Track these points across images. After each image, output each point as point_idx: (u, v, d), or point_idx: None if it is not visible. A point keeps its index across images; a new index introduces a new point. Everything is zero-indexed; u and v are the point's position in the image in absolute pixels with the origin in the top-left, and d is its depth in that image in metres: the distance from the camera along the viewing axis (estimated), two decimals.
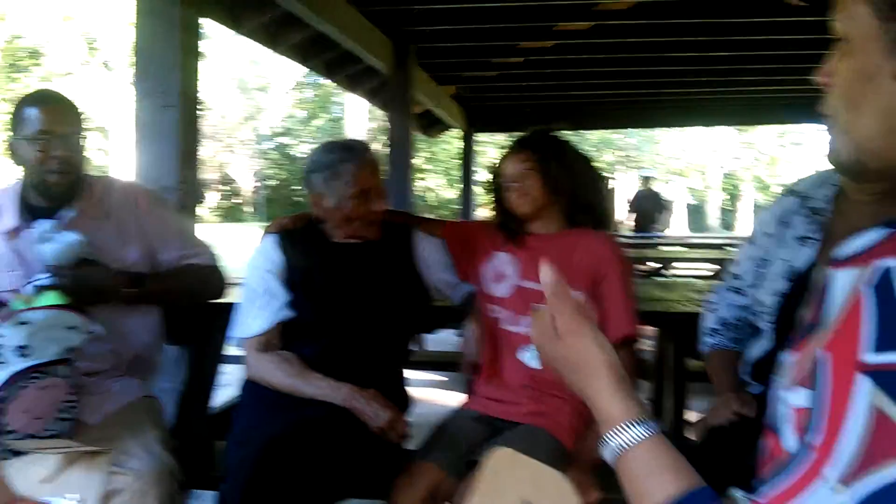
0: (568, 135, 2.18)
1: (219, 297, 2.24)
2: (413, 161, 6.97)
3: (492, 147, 31.03)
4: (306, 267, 2.07)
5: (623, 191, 19.99)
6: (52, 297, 1.78)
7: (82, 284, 1.86)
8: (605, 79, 8.48)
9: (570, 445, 1.91)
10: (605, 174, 2.15)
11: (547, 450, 1.83)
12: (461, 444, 1.90)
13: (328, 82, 7.65)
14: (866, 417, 0.62)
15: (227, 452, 1.85)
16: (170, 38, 2.97)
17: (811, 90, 0.90)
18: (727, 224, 32.15)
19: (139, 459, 1.77)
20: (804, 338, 0.70)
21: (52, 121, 1.97)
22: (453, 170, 26.62)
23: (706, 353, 1.89)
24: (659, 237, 10.82)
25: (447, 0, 5.54)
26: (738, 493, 0.76)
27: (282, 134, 36.16)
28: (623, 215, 12.16)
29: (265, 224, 2.26)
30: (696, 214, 33.54)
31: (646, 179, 11.95)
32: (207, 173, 35.27)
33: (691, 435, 2.15)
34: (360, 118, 22.77)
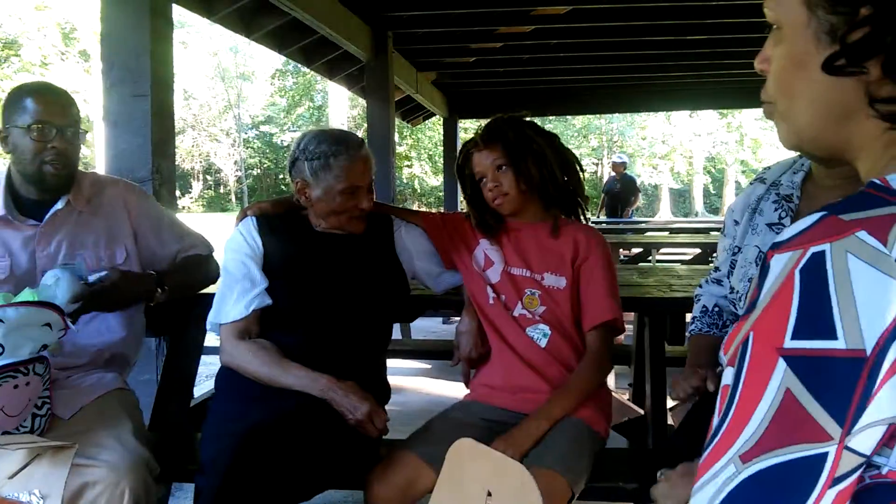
0: (552, 120, 2.14)
1: (213, 283, 2.26)
2: (396, 148, 6.95)
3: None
4: (285, 254, 2.04)
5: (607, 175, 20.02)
6: (28, 294, 1.76)
7: (106, 298, 1.91)
8: (585, 63, 8.48)
9: (601, 428, 1.93)
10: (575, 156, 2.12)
11: (587, 439, 1.85)
12: (450, 437, 1.86)
13: (309, 70, 7.60)
14: (777, 399, 0.64)
15: (203, 444, 1.83)
16: (139, 24, 2.94)
17: None
18: (712, 208, 32.32)
19: (112, 452, 1.75)
20: (742, 319, 0.70)
21: (50, 112, 1.96)
22: (438, 157, 26.59)
23: (688, 339, 1.91)
24: (634, 222, 10.83)
25: None
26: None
27: (264, 122, 35.98)
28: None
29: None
30: (680, 199, 33.70)
31: (617, 164, 11.93)
32: (190, 163, 35.12)
33: (670, 420, 2.15)
34: (342, 106, 22.70)
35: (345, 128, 22.66)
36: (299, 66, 8.18)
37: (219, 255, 2.28)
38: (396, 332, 4.88)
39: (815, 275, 0.64)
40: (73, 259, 1.99)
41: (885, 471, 0.68)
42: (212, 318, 2.04)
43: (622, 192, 11.48)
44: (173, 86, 3.15)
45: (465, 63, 8.41)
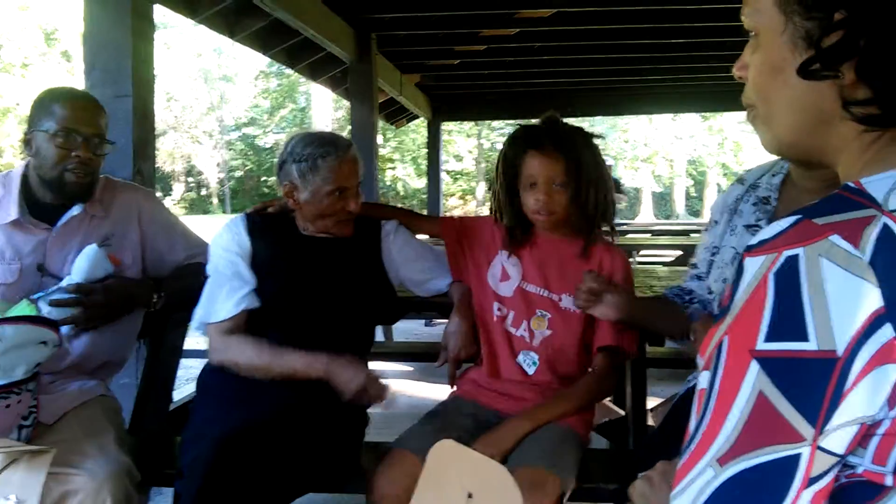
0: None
1: None
2: (379, 150, 6.95)
3: (460, 136, 31.11)
4: (271, 255, 2.03)
5: None
6: (25, 306, 1.75)
7: (106, 299, 1.90)
8: (569, 66, 8.52)
9: (583, 432, 1.92)
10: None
11: (571, 441, 1.84)
12: (444, 435, 1.85)
13: (293, 71, 7.58)
14: (751, 402, 0.64)
15: (182, 449, 1.82)
16: (121, 24, 2.92)
17: None
18: (693, 211, 32.51)
19: (94, 460, 1.74)
20: (717, 322, 0.71)
21: (78, 119, 1.95)
22: (421, 159, 26.57)
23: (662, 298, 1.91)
24: (616, 224, 10.88)
25: None
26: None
27: (247, 124, 35.81)
28: None
29: (231, 216, 2.23)
30: (662, 201, 33.87)
31: None
32: (171, 165, 34.88)
33: (650, 420, 2.16)
34: (326, 108, 22.65)
35: (328, 130, 22.55)
36: (283, 67, 8.16)
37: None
38: (379, 335, 4.89)
39: (788, 278, 0.65)
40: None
41: (860, 470, 0.69)
42: (200, 317, 2.01)
43: None
44: (154, 87, 3.14)
45: (449, 65, 8.41)
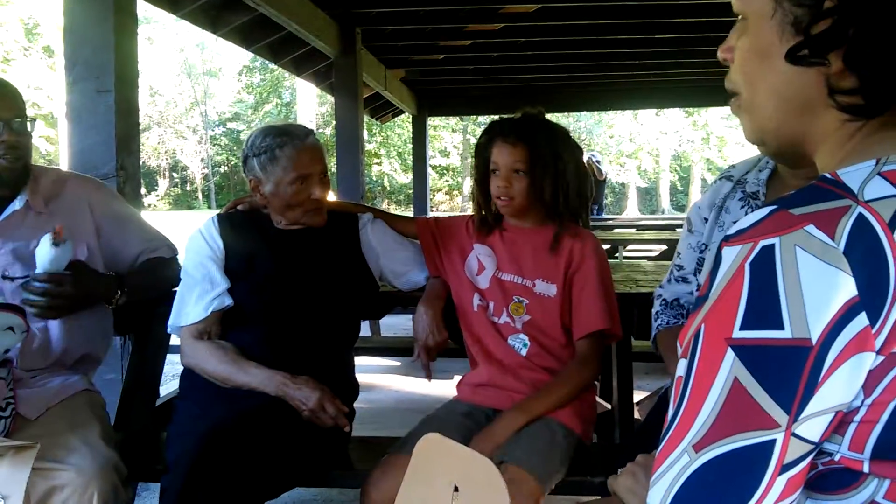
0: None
1: (175, 286, 2.20)
2: (365, 145, 6.93)
3: (445, 131, 31.10)
4: (247, 253, 2.03)
5: None
6: None
7: (72, 290, 1.84)
8: (554, 62, 8.53)
9: (578, 429, 1.91)
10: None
11: (562, 439, 1.83)
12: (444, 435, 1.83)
13: (277, 66, 7.55)
14: (726, 389, 0.65)
15: (168, 444, 1.82)
16: (103, 19, 2.90)
17: None
18: (679, 205, 32.67)
19: (80, 455, 1.73)
20: (695, 311, 0.71)
21: None
22: (407, 154, 26.56)
23: (655, 338, 1.90)
24: (602, 219, 10.91)
25: None
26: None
27: (231, 119, 35.64)
28: None
29: (216, 211, 2.21)
30: (647, 196, 34.02)
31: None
32: (156, 160, 34.67)
33: (637, 414, 2.18)
34: (310, 103, 22.57)
35: (313, 125, 22.60)
36: (267, 62, 8.12)
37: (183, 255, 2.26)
38: (366, 330, 4.89)
39: (764, 267, 0.66)
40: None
41: (837, 457, 0.69)
42: (172, 320, 2.02)
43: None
44: (138, 82, 3.12)
45: (435, 60, 8.41)
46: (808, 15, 0.73)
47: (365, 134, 7.45)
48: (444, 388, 4.30)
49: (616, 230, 9.26)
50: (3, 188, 1.96)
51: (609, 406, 2.46)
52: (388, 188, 32.67)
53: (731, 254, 0.69)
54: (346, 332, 2.11)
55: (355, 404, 2.11)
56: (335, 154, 6.85)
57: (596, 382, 3.15)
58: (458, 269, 2.10)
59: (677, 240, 1.92)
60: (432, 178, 29.39)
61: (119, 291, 2.00)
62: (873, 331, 0.64)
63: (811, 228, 0.66)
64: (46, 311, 1.86)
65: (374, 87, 8.12)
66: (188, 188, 37.58)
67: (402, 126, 27.06)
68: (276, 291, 1.98)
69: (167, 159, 36.24)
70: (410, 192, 16.56)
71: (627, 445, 1.98)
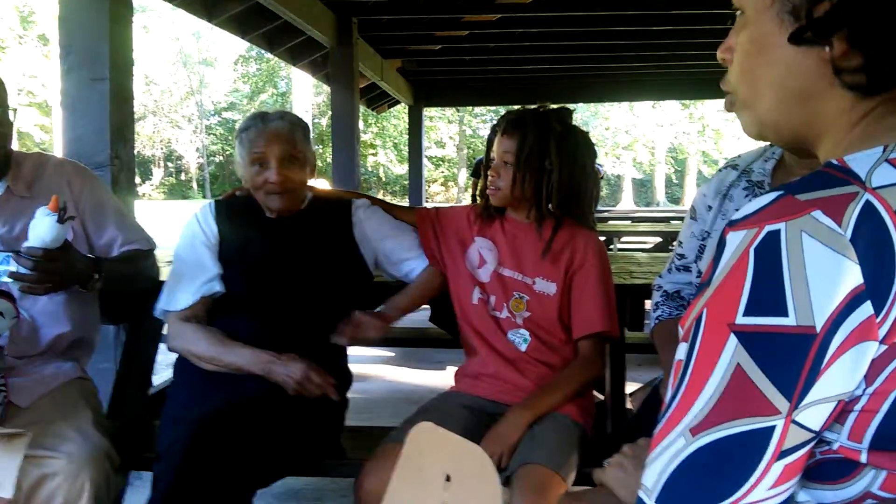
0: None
1: (154, 283, 2.18)
2: (361, 136, 6.92)
3: (441, 121, 31.05)
4: (241, 240, 2.03)
5: None
6: None
7: (63, 268, 1.80)
8: (550, 53, 8.52)
9: (585, 423, 1.91)
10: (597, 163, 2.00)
11: (573, 433, 1.84)
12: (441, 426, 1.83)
13: (273, 56, 7.52)
14: (727, 374, 0.65)
15: (161, 432, 1.82)
16: (98, 7, 2.88)
17: None
18: (674, 198, 32.71)
19: (72, 443, 1.72)
20: (697, 295, 0.71)
21: None
22: (403, 145, 26.53)
23: (653, 329, 1.89)
24: (597, 211, 10.95)
25: None
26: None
27: (226, 109, 35.53)
28: None
29: (211, 201, 2.21)
30: (642, 188, 34.05)
31: None
32: (151, 150, 34.56)
33: (629, 404, 2.18)
34: (306, 93, 22.51)
35: (309, 115, 22.47)
36: (263, 51, 8.09)
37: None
38: None
39: (769, 253, 0.65)
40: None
41: (835, 446, 0.69)
42: (161, 304, 2.02)
43: None
44: (133, 70, 3.11)
45: (431, 51, 8.39)
46: (806, 1, 0.72)
47: (361, 124, 7.43)
48: (437, 379, 4.34)
49: (611, 222, 9.28)
50: None
51: (601, 396, 2.47)
52: (384, 179, 32.63)
53: (735, 238, 0.68)
54: (337, 321, 2.11)
55: (348, 394, 2.11)
56: (331, 144, 6.84)
57: None
58: (457, 260, 2.09)
59: (672, 232, 1.92)
60: (428, 168, 29.37)
61: (96, 275, 1.93)
62: (878, 320, 0.63)
63: (818, 214, 0.65)
64: (36, 287, 1.83)
65: (371, 78, 8.10)
66: (183, 178, 37.49)
67: (398, 116, 26.98)
68: (265, 278, 1.98)
69: (162, 149, 36.12)
70: (406, 182, 16.53)
71: (619, 436, 1.99)
